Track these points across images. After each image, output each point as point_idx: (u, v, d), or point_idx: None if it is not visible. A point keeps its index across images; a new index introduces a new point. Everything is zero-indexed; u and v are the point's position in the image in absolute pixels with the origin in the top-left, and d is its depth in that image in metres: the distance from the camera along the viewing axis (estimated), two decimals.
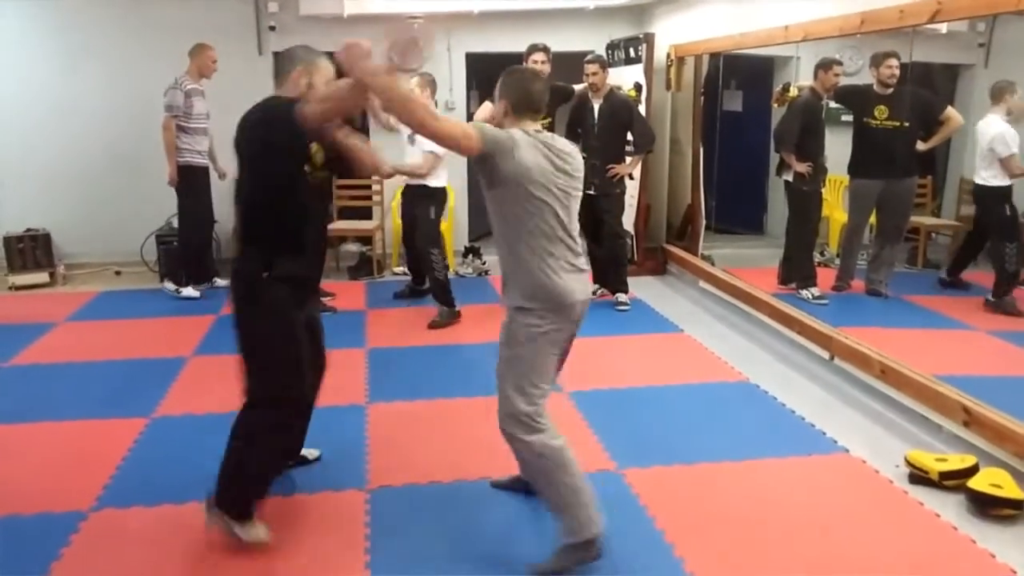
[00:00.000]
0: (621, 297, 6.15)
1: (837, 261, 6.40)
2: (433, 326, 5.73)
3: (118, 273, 7.28)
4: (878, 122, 5.66)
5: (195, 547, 2.96)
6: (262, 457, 2.95)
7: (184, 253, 6.56)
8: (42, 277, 6.93)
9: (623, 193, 6.21)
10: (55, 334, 5.58)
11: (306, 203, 2.90)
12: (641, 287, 6.70)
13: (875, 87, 5.65)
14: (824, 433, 3.92)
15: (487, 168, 2.63)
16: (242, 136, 2.83)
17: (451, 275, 7.14)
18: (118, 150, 7.25)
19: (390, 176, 5.35)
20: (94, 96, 7.20)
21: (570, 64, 6.20)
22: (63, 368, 4.91)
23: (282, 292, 2.85)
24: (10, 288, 6.77)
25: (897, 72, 5.49)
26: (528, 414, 2.75)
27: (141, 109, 6.91)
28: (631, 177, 6.36)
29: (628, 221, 6.95)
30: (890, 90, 5.57)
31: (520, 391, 2.75)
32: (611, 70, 6.85)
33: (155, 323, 5.85)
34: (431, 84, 5.85)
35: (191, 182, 6.31)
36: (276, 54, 7.33)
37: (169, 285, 6.51)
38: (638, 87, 6.83)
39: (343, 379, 4.63)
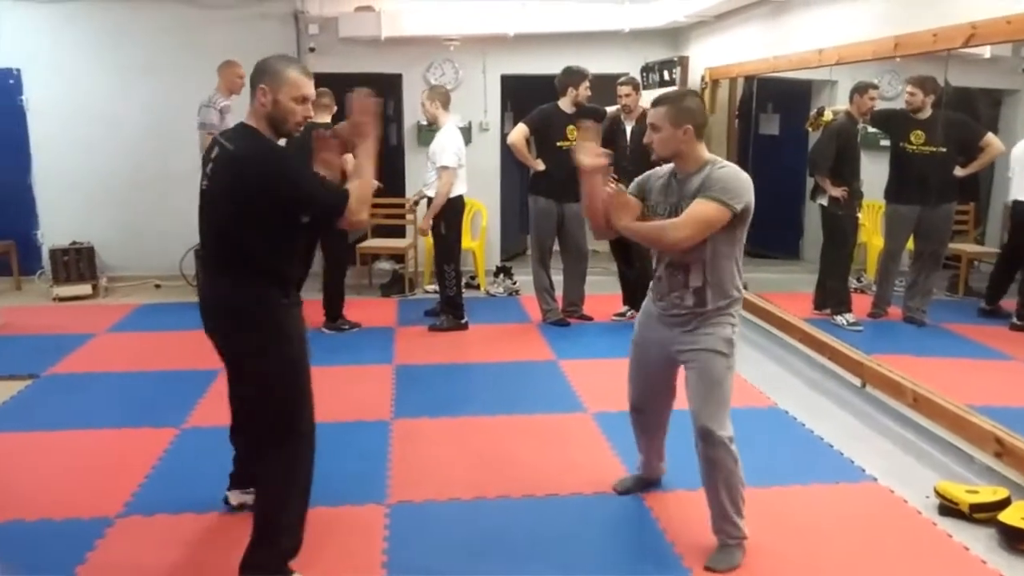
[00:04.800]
0: None
1: (874, 287, 6.32)
2: (433, 329, 6.00)
3: (158, 286, 7.45)
4: (915, 147, 5.60)
5: (214, 556, 3.01)
6: (297, 499, 2.79)
7: None
8: (85, 289, 7.10)
9: None
10: (94, 344, 5.71)
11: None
12: None
13: (911, 112, 5.60)
14: (852, 461, 3.85)
15: (740, 217, 2.80)
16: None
17: (482, 294, 7.22)
18: (160, 168, 7.43)
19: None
20: (138, 114, 7.40)
21: (604, 86, 6.23)
22: (100, 378, 5.03)
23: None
24: (54, 299, 6.95)
25: (917, 100, 5.46)
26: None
27: (182, 128, 7.06)
28: None
29: None
30: (927, 115, 5.52)
31: (730, 398, 2.98)
32: (645, 92, 6.87)
33: (190, 336, 5.85)
34: (442, 96, 5.93)
35: None
36: (315, 75, 7.46)
37: None
38: None
39: (369, 395, 4.69)
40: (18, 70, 7.28)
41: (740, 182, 2.80)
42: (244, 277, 2.70)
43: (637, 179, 3.12)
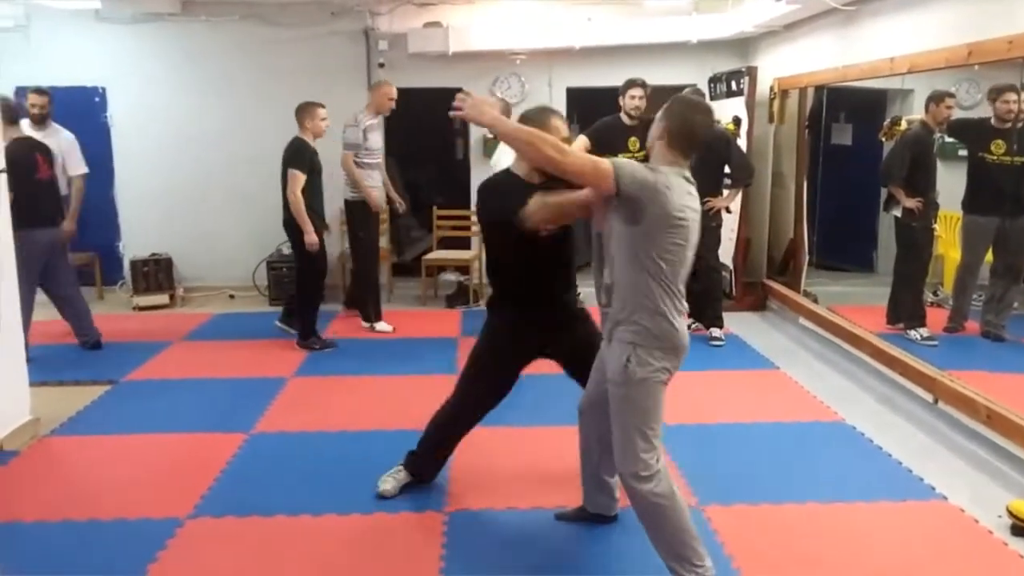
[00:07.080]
0: (715, 332, 6.06)
1: (951, 301, 6.12)
2: None
3: (232, 296, 7.67)
4: (995, 157, 5.41)
5: (278, 557, 3.09)
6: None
7: (365, 287, 6.53)
8: (163, 299, 7.37)
9: (719, 227, 6.14)
10: (171, 352, 5.91)
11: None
12: (739, 322, 6.57)
13: (992, 121, 5.41)
14: (922, 479, 3.74)
15: (631, 207, 2.56)
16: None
17: None
18: (234, 182, 7.68)
19: None
20: (214, 131, 7.65)
21: (669, 97, 6.20)
22: (175, 384, 5.20)
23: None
24: (134, 308, 7.24)
25: (1015, 108, 5.25)
26: (645, 459, 2.71)
27: (255, 144, 7.31)
28: (728, 211, 6.28)
29: (726, 255, 6.85)
30: (1008, 124, 5.33)
31: (639, 434, 2.71)
32: (713, 103, 6.80)
33: (261, 344, 6.11)
34: (503, 109, 5.96)
35: (366, 215, 6.28)
36: None
37: (364, 324, 6.49)
38: (736, 120, 6.76)
39: (432, 404, 4.69)
40: (103, 88, 7.59)
41: (650, 176, 2.55)
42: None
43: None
